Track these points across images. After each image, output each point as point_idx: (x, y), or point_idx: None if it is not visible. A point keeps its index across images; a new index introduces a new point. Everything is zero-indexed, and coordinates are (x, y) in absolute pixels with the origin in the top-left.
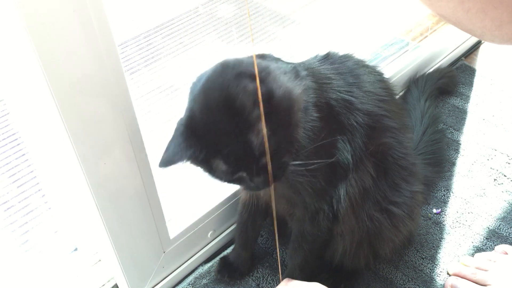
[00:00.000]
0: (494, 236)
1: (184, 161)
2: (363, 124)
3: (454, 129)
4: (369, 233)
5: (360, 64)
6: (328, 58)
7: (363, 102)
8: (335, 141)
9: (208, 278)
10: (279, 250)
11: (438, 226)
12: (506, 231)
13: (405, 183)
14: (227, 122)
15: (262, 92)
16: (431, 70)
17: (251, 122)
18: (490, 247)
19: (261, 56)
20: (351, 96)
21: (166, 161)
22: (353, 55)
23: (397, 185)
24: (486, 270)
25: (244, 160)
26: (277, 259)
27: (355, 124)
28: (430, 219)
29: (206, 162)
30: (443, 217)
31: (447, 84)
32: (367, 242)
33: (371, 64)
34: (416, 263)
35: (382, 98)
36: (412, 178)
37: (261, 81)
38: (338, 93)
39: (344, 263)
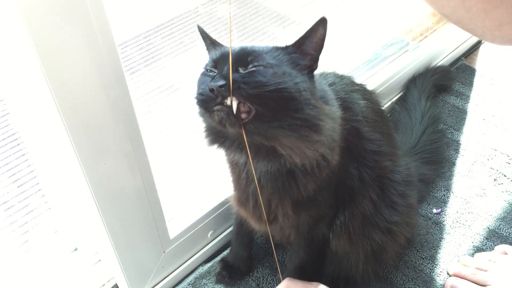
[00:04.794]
0: (494, 236)
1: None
2: (369, 150)
3: (454, 129)
4: (374, 251)
5: (350, 84)
6: (326, 79)
7: (366, 129)
8: (348, 167)
9: (208, 278)
10: (279, 251)
11: (438, 226)
12: (506, 231)
13: (401, 198)
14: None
15: None
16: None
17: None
18: (490, 247)
19: None
20: (357, 123)
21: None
22: (342, 74)
23: (394, 203)
24: (486, 270)
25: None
26: (275, 260)
27: (363, 151)
28: (430, 219)
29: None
30: (443, 217)
31: (441, 79)
32: (373, 258)
33: (372, 63)
34: (416, 263)
35: (377, 121)
36: (407, 189)
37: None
38: (348, 122)
39: (352, 277)
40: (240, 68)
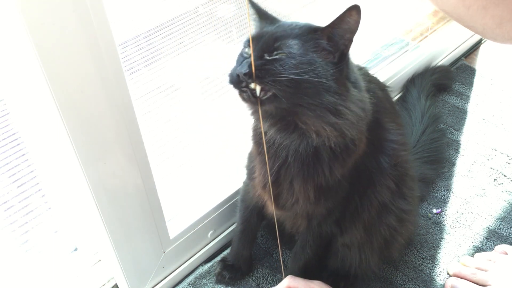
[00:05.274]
0: (494, 236)
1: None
2: (388, 139)
3: (454, 129)
4: (386, 240)
5: (367, 75)
6: None
7: (385, 119)
8: (367, 156)
9: (208, 278)
10: (280, 250)
11: (438, 226)
12: (506, 231)
13: (410, 190)
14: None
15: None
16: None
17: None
18: (490, 247)
19: None
20: (377, 114)
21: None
22: (359, 65)
23: (405, 194)
24: (486, 270)
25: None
26: (280, 258)
27: (383, 140)
28: (430, 219)
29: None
30: (443, 217)
31: (440, 78)
32: (384, 248)
33: (372, 63)
34: (416, 263)
35: (392, 112)
36: (413, 183)
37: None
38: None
39: (354, 274)
40: (265, 54)
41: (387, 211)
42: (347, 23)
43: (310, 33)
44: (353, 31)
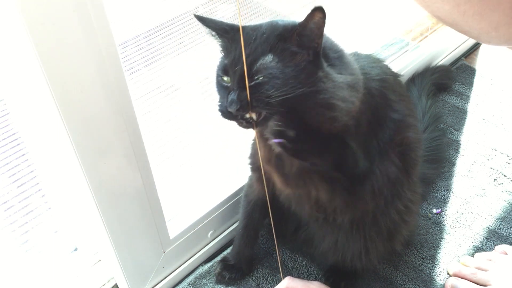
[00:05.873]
0: (494, 236)
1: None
2: (394, 118)
3: (454, 129)
4: (395, 225)
5: (377, 60)
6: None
7: (392, 97)
8: (375, 128)
9: (208, 278)
10: (279, 250)
11: (438, 226)
12: (506, 231)
13: (416, 184)
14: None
15: None
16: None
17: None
18: (490, 247)
19: None
20: (385, 90)
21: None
22: (372, 54)
23: (414, 184)
24: (486, 270)
25: (235, 67)
26: (278, 259)
27: (388, 117)
28: (430, 219)
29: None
30: (443, 217)
31: (441, 78)
32: (390, 235)
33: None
34: (416, 263)
35: (402, 95)
36: (417, 179)
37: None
38: (375, 83)
39: (358, 268)
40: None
41: (398, 194)
42: (312, 25)
43: (280, 42)
44: (320, 28)
